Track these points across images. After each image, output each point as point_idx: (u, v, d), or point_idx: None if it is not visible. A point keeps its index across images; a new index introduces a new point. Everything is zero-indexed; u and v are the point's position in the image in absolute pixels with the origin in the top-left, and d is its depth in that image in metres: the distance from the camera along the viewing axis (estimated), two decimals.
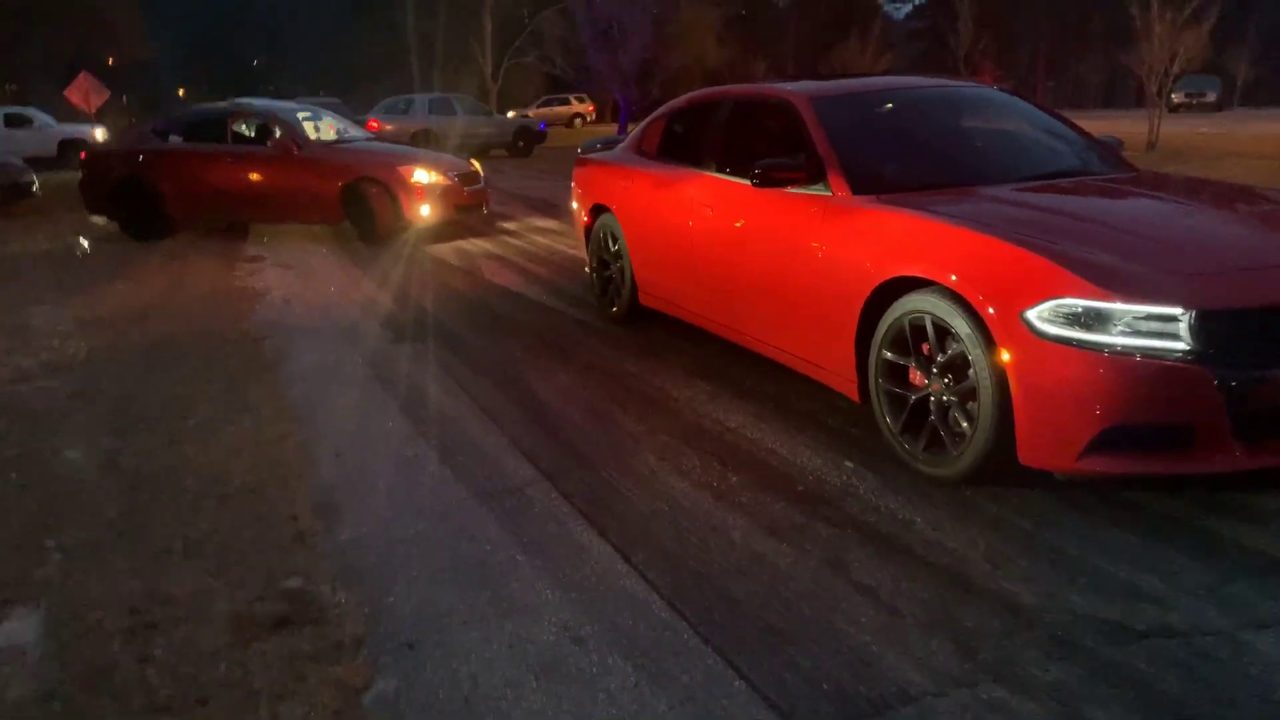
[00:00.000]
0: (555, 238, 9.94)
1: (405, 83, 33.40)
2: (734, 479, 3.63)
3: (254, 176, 10.05)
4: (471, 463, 3.87)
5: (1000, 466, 3.22)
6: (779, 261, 4.16)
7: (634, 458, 3.87)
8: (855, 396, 3.86)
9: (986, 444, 3.19)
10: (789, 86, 4.64)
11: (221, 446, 4.12)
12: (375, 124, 21.74)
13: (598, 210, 6.04)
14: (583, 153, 6.56)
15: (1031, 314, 3.01)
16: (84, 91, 21.25)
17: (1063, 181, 4.03)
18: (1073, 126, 4.63)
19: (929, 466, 3.43)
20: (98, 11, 42.59)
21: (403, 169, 9.66)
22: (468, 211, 10.34)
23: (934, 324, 3.35)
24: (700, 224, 4.79)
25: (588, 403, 4.58)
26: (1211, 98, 39.41)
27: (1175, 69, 22.07)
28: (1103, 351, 2.88)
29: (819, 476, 3.61)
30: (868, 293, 3.62)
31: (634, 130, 6.11)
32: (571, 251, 8.83)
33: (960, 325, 3.21)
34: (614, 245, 5.86)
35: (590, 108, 43.86)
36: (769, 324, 4.35)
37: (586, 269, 6.89)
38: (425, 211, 9.67)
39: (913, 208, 3.61)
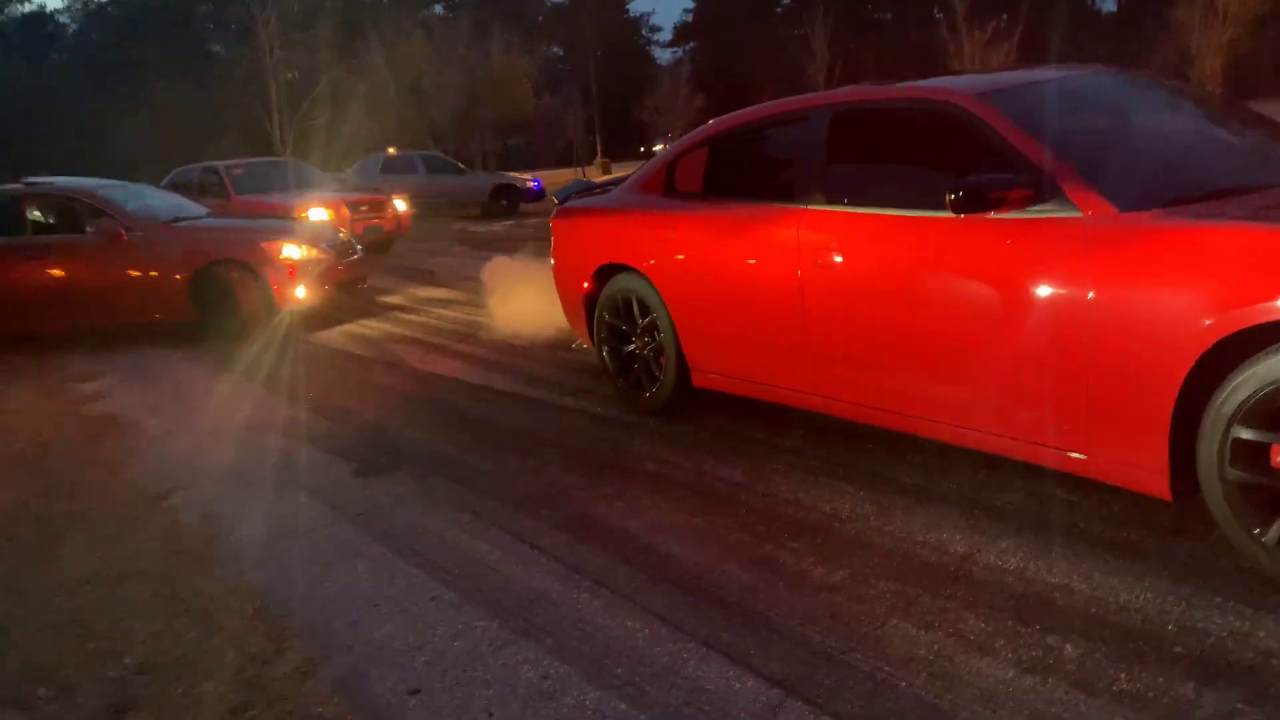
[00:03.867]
0: (461, 309, 8.41)
1: (181, 161, 30.29)
2: (1065, 647, 2.39)
3: (67, 273, 7.95)
4: (643, 679, 2.44)
5: None
6: (999, 316, 2.98)
7: (877, 630, 2.57)
8: (1165, 493, 2.72)
9: None
10: (931, 83, 3.50)
11: None
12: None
13: (609, 272, 4.67)
14: (562, 201, 5.16)
15: None
16: None
17: None
18: (1247, 114, 3.73)
19: None
20: None
21: (268, 245, 7.87)
22: (347, 289, 8.64)
23: None
24: (820, 275, 3.54)
25: (719, 541, 3.22)
26: None
27: None
28: None
29: (1185, 624, 2.43)
30: (1205, 346, 2.49)
31: (642, 167, 4.79)
32: (500, 324, 7.33)
33: None
34: (643, 315, 4.51)
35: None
36: (980, 402, 3.15)
37: (578, 345, 5.52)
38: (301, 294, 7.91)
39: (1267, 220, 2.52)
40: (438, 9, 57.11)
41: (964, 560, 2.92)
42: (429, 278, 10.63)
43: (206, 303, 7.80)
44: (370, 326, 7.98)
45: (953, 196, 2.95)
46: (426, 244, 15.15)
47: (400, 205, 14.46)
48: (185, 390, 6.24)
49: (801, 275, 3.61)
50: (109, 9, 59.26)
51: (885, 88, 3.67)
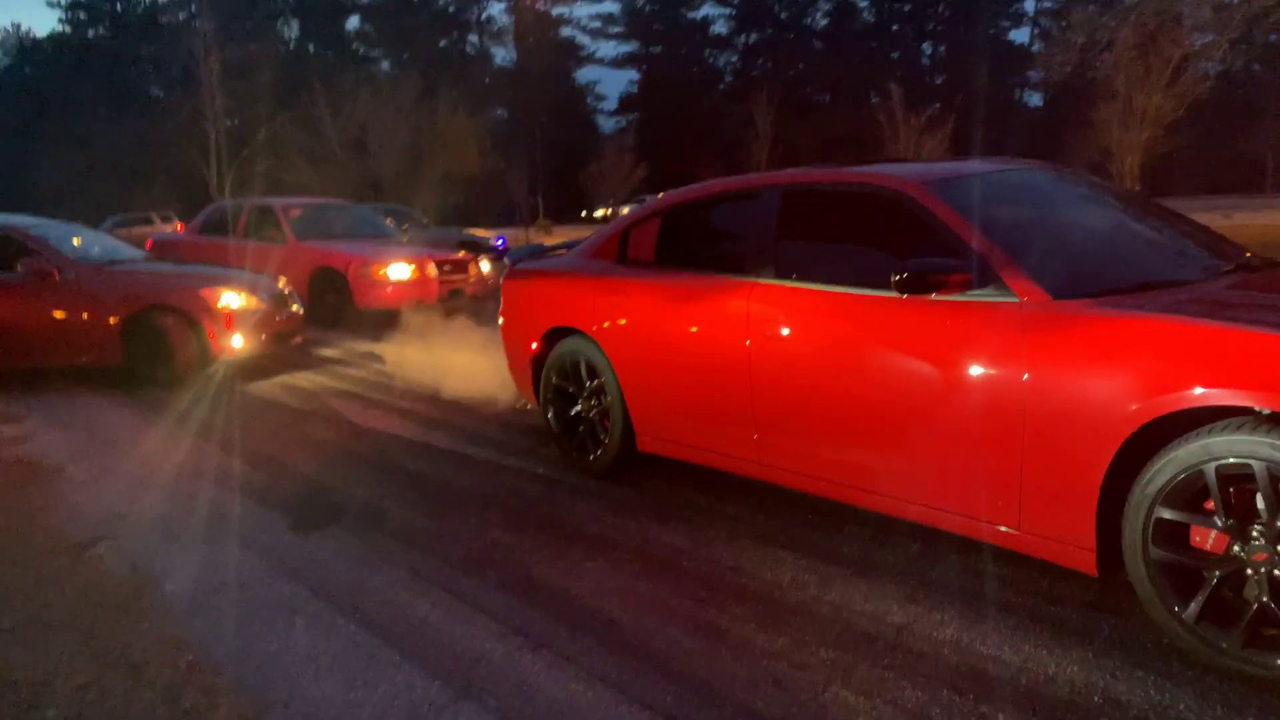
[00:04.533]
0: (397, 364, 8.35)
1: (109, 200, 29.30)
2: (998, 717, 2.47)
3: None
4: None
5: None
6: (938, 393, 3.11)
7: (818, 698, 2.61)
8: (1092, 569, 2.84)
9: None
10: (878, 170, 3.68)
11: None
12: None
13: (558, 334, 4.73)
14: (515, 263, 5.23)
15: None
16: None
17: (1258, 275, 3.30)
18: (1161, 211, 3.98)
19: None
20: None
21: (206, 292, 7.76)
22: (283, 341, 8.53)
23: (1270, 474, 2.42)
24: (769, 346, 3.65)
25: (662, 605, 3.24)
26: None
27: None
28: None
29: (1110, 696, 2.52)
30: (1132, 430, 2.64)
31: (595, 234, 4.89)
32: (435, 382, 7.31)
33: None
34: (591, 379, 4.57)
35: (179, 226, 35.25)
36: (916, 476, 3.26)
37: (522, 405, 5.56)
38: (238, 343, 7.80)
39: (1188, 314, 2.69)
40: (384, 65, 57.57)
41: (901, 630, 2.99)
42: (363, 330, 10.53)
43: (139, 348, 7.63)
44: (306, 380, 7.88)
45: (897, 278, 3.09)
46: None
47: (485, 267, 12.37)
48: (113, 437, 6.08)
49: (750, 346, 3.71)
50: (45, 45, 58.41)
51: (836, 171, 3.84)
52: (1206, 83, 20.53)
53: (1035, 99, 58.00)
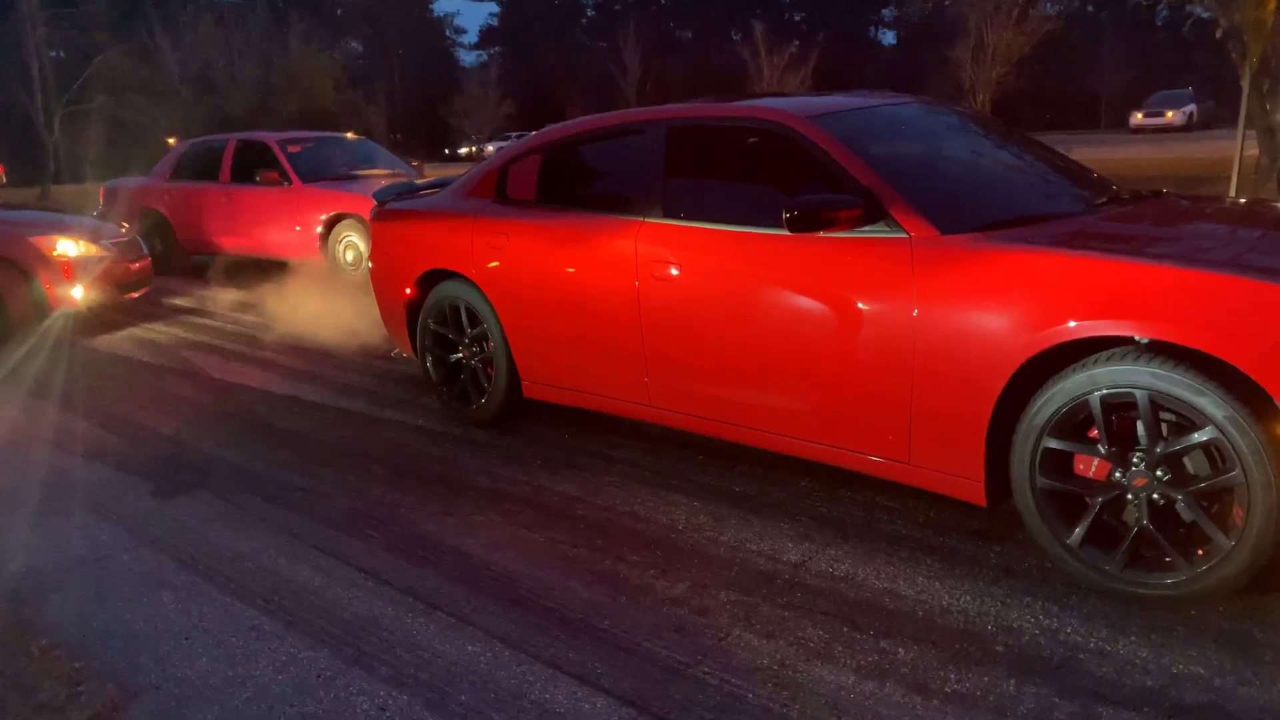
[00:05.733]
0: (259, 312, 7.91)
1: None
2: (898, 651, 2.51)
3: None
4: (488, 706, 2.35)
5: None
6: (829, 330, 3.09)
7: (722, 642, 2.59)
8: (981, 499, 2.91)
9: (1260, 547, 2.40)
10: (765, 103, 3.59)
11: None
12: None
13: (434, 278, 4.51)
14: (383, 202, 4.94)
15: None
16: None
17: (1130, 208, 3.39)
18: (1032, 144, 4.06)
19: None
20: None
21: (38, 240, 7.11)
22: (132, 290, 7.93)
23: (1151, 401, 2.50)
24: (658, 287, 3.56)
25: (558, 557, 3.16)
26: (1177, 118, 30.89)
27: None
28: None
29: (1002, 624, 2.60)
30: (1019, 362, 2.69)
31: (470, 171, 4.66)
32: (306, 331, 6.96)
33: (1208, 403, 2.39)
34: (472, 324, 4.38)
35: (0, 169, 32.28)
36: (809, 414, 3.25)
37: (396, 353, 5.33)
38: (78, 294, 7.20)
39: (1072, 247, 2.73)
40: None
41: (798, 568, 3.00)
42: (222, 277, 9.93)
43: None
44: (158, 331, 7.38)
45: (788, 215, 3.03)
46: None
47: None
48: None
49: (639, 287, 3.62)
50: None
51: (720, 105, 3.75)
52: (1050, 23, 21.38)
53: (890, 37, 59.32)
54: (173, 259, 10.59)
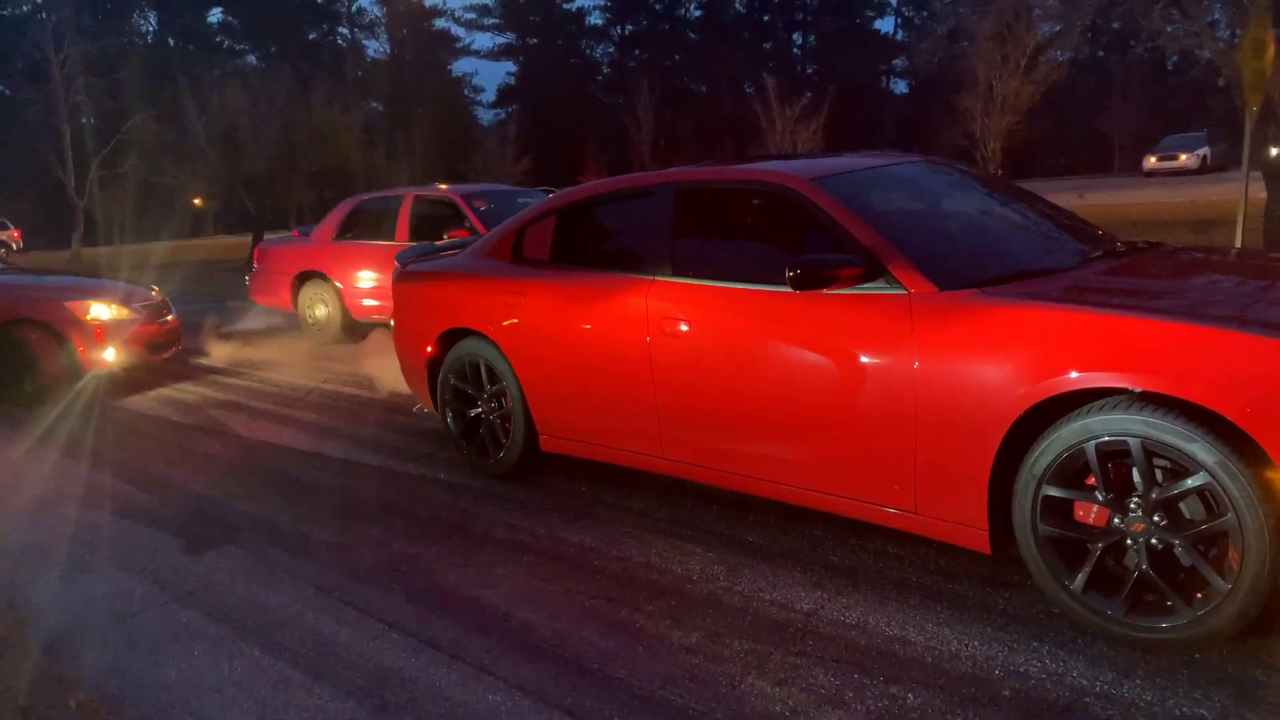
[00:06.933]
0: (286, 371, 8.10)
1: None
2: (908, 697, 2.57)
3: None
4: None
5: None
6: (834, 383, 3.20)
7: (735, 690, 2.66)
8: (985, 547, 2.98)
9: (1256, 591, 2.46)
10: (768, 167, 3.74)
11: None
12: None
13: (454, 336, 4.66)
14: (405, 264, 5.12)
15: None
16: None
17: (1124, 261, 3.50)
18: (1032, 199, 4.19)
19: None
20: None
21: (73, 305, 7.35)
22: (161, 351, 8.15)
23: (1145, 449, 2.59)
24: (669, 343, 3.69)
25: (575, 607, 3.25)
26: (1190, 161, 30.67)
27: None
28: None
29: (1009, 668, 2.66)
30: (1019, 413, 2.78)
31: (489, 234, 4.84)
32: (329, 387, 7.15)
33: (1199, 450, 2.47)
34: (490, 380, 4.52)
35: (16, 234, 35.70)
36: (817, 465, 3.35)
37: (419, 409, 5.46)
38: (110, 356, 7.42)
39: (1065, 302, 2.84)
40: (251, 59, 55.39)
41: (810, 616, 3.08)
42: (245, 337, 10.16)
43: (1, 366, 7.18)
44: (187, 391, 7.56)
45: (791, 273, 3.16)
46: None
47: None
48: None
49: (651, 342, 3.75)
50: None
51: (727, 168, 3.90)
52: (1060, 70, 21.61)
53: (902, 86, 59.98)
54: (341, 325, 9.61)
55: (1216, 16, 7.71)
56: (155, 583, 3.68)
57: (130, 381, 7.80)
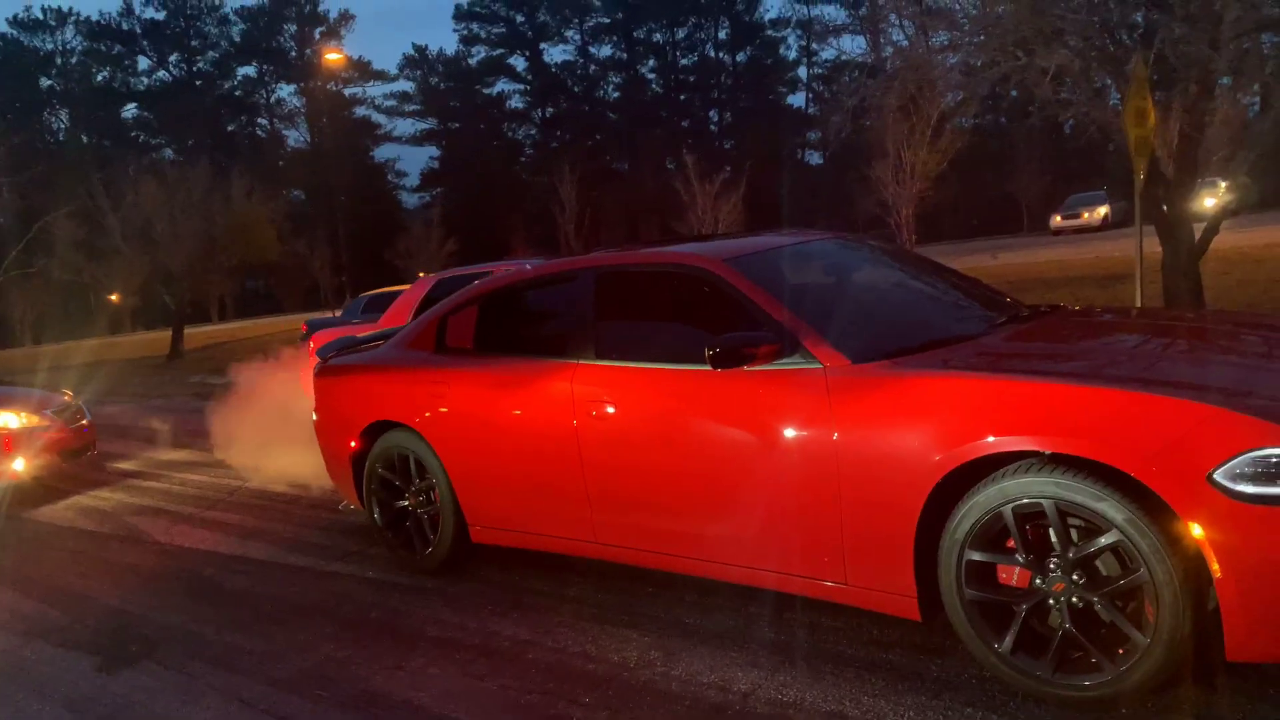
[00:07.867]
0: (207, 471, 7.88)
1: None
2: None
3: None
4: None
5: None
6: (759, 459, 3.24)
7: None
8: (915, 614, 3.01)
9: (1174, 642, 2.53)
10: (683, 249, 3.82)
11: None
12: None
13: (379, 429, 4.61)
14: (326, 359, 5.06)
15: (1221, 474, 2.44)
16: None
17: (1028, 326, 3.63)
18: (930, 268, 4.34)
19: None
20: None
21: None
22: (76, 457, 7.88)
23: (1058, 510, 2.66)
24: (595, 425, 3.70)
25: (511, 705, 3.18)
26: (1093, 219, 32.29)
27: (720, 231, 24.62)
28: None
29: None
30: (936, 480, 2.85)
31: (410, 325, 4.82)
32: (253, 485, 6.96)
33: (1108, 508, 2.56)
34: (419, 474, 4.46)
35: None
36: (747, 541, 3.36)
37: (344, 506, 5.35)
38: (20, 467, 7.16)
39: (974, 369, 2.94)
40: (168, 153, 54.91)
41: (747, 697, 3.05)
42: (162, 437, 9.88)
43: None
44: (103, 498, 7.29)
45: (710, 353, 3.21)
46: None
47: None
48: None
49: (578, 425, 3.75)
50: None
51: (644, 251, 3.98)
52: (963, 138, 22.58)
53: (817, 158, 61.92)
54: None
55: (1102, 84, 8.17)
56: (66, 708, 3.51)
57: (43, 491, 7.50)
